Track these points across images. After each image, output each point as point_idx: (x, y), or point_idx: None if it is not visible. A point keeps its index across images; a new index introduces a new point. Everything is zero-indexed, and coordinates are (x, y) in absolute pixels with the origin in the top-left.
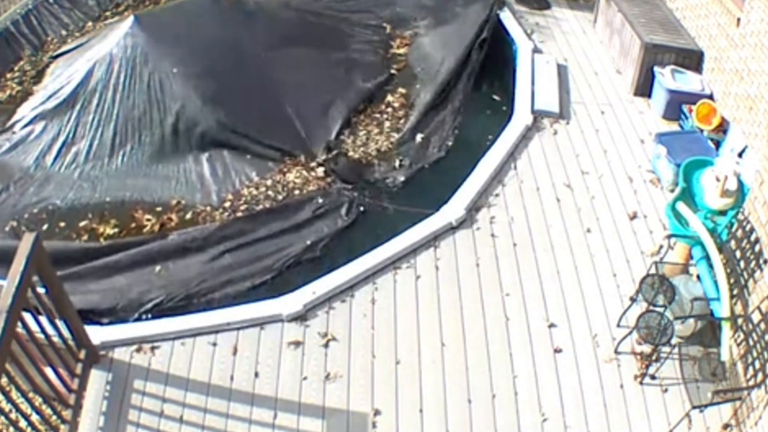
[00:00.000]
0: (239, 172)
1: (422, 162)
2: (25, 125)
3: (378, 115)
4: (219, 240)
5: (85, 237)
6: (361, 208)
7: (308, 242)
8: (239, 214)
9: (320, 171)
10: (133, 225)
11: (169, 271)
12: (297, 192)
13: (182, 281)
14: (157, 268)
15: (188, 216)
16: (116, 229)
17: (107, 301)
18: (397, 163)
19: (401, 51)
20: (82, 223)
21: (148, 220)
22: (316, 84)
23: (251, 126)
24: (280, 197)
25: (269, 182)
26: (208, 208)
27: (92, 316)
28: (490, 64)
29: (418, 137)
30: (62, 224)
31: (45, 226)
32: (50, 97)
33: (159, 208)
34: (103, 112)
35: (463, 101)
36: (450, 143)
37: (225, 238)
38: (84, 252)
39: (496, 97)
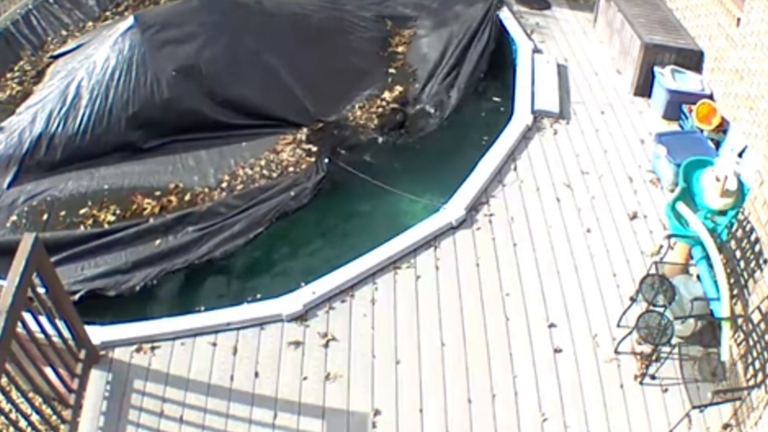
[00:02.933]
0: (235, 154)
1: (392, 139)
2: (21, 123)
3: (374, 110)
4: (214, 215)
5: (90, 222)
6: (326, 160)
7: (293, 193)
8: (235, 193)
9: (312, 148)
10: (134, 208)
11: (169, 243)
12: (291, 169)
13: (182, 247)
14: (157, 241)
15: (187, 197)
16: (117, 215)
17: (110, 276)
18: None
19: (400, 49)
20: (82, 211)
21: (148, 203)
22: (313, 79)
23: (247, 114)
24: (275, 175)
25: (263, 162)
26: (206, 190)
27: (98, 291)
28: (490, 64)
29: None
30: (63, 213)
31: (45, 216)
32: (47, 96)
33: (158, 192)
34: (100, 108)
35: (459, 101)
36: (422, 135)
37: (219, 214)
38: (88, 238)
39: (496, 98)
